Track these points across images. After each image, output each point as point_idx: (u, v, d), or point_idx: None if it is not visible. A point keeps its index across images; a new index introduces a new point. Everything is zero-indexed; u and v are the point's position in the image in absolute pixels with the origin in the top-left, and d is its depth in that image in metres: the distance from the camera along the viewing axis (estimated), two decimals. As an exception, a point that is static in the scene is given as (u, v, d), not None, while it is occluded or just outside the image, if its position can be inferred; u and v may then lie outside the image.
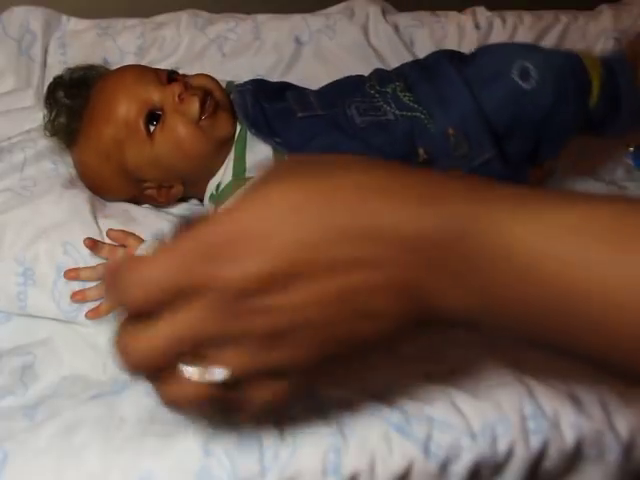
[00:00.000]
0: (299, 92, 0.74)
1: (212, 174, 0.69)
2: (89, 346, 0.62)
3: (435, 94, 0.67)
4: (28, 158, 0.72)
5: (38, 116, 0.75)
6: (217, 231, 0.33)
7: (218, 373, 0.34)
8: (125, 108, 0.66)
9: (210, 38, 0.85)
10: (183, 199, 0.74)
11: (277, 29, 0.86)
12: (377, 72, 0.75)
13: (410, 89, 0.69)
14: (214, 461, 0.47)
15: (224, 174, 0.68)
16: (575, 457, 0.51)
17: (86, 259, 0.63)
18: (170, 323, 0.33)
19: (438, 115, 0.66)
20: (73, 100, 0.70)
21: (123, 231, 0.64)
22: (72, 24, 0.84)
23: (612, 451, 0.51)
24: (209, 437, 0.48)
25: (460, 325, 0.36)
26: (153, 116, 0.66)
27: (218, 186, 0.69)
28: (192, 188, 0.72)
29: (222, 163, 0.69)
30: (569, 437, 0.51)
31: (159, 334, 0.33)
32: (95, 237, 0.64)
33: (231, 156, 0.69)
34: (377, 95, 0.70)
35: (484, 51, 0.73)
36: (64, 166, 0.73)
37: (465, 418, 0.50)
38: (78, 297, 0.62)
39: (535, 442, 0.50)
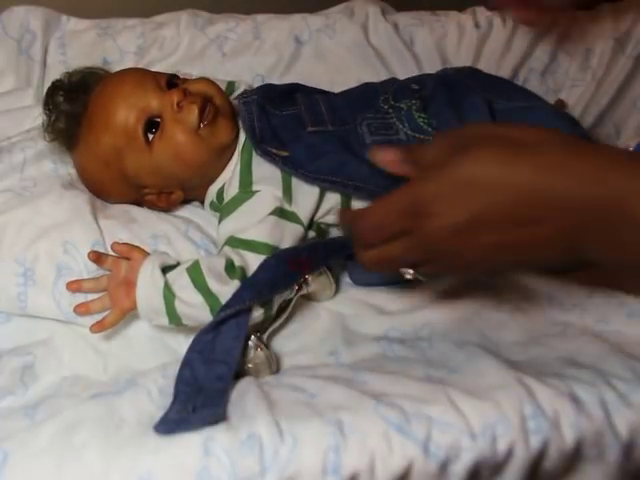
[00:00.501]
0: (310, 97, 0.72)
1: (212, 180, 0.69)
2: (89, 346, 0.62)
3: (459, 124, 0.65)
4: (28, 158, 0.72)
5: (38, 117, 0.75)
6: (428, 188, 0.47)
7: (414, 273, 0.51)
8: (124, 116, 0.65)
9: (210, 38, 0.85)
10: (185, 201, 0.73)
11: (277, 29, 0.85)
12: (394, 83, 0.73)
13: (426, 109, 0.68)
14: (214, 461, 0.47)
15: (229, 184, 0.67)
16: (575, 457, 0.52)
17: (86, 258, 0.63)
18: (388, 249, 0.50)
19: None
20: (72, 105, 0.69)
21: (127, 244, 0.63)
22: (72, 24, 0.84)
23: (612, 451, 0.51)
24: (209, 437, 0.48)
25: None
26: (152, 124, 0.66)
27: (220, 192, 0.68)
28: (192, 193, 0.71)
29: (223, 169, 0.68)
30: (569, 437, 0.51)
31: (382, 253, 0.51)
32: (95, 237, 0.64)
33: (234, 161, 0.68)
34: (390, 111, 0.68)
35: (525, 97, 0.71)
36: (64, 166, 0.73)
37: (465, 418, 0.50)
38: (82, 309, 0.61)
39: (535, 442, 0.50)
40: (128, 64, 0.82)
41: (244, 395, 0.53)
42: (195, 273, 0.60)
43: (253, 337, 0.60)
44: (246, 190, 0.66)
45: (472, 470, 0.50)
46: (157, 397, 0.54)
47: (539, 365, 0.56)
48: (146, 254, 0.63)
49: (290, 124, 0.68)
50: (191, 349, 0.56)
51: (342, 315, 0.66)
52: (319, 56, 0.86)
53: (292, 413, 0.50)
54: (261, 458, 0.47)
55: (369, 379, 0.55)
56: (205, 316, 0.59)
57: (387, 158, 0.53)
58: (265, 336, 0.62)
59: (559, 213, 0.44)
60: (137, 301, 0.59)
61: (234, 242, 0.63)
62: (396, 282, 0.68)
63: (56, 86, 0.72)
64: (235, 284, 0.59)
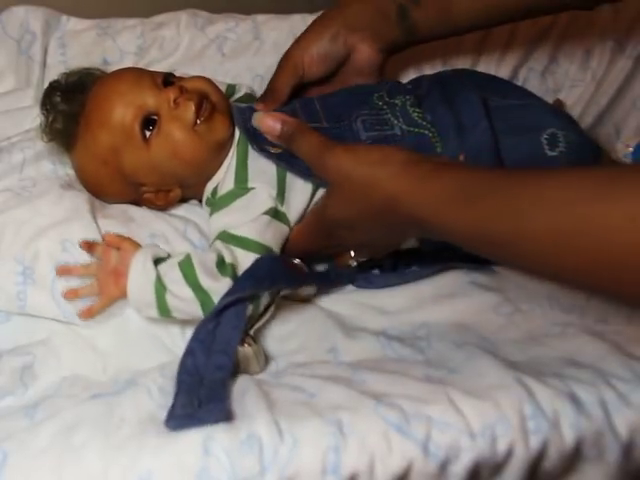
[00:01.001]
0: (304, 95, 0.73)
1: (210, 177, 0.69)
2: (89, 346, 0.62)
3: (453, 118, 0.66)
4: (27, 159, 0.72)
5: (38, 117, 0.75)
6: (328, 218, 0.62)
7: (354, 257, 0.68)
8: (120, 113, 0.66)
9: (210, 38, 0.85)
10: (183, 199, 0.73)
11: (277, 29, 0.85)
12: (388, 83, 0.73)
13: (420, 105, 0.68)
14: (214, 461, 0.47)
15: (224, 179, 0.67)
16: (575, 457, 0.52)
17: (85, 257, 0.63)
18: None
19: (452, 139, 0.65)
20: (69, 105, 0.69)
21: (119, 235, 0.64)
22: (72, 24, 0.84)
23: (612, 451, 0.51)
24: (209, 436, 0.48)
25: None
26: (149, 121, 0.66)
27: (215, 190, 0.68)
28: (190, 190, 0.71)
29: (220, 165, 0.69)
30: (569, 437, 0.51)
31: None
32: (94, 236, 0.64)
33: (231, 157, 0.68)
34: (385, 107, 0.68)
35: (521, 96, 0.72)
36: (63, 167, 0.73)
37: (465, 418, 0.50)
38: (70, 295, 0.62)
39: (535, 442, 0.50)
40: (128, 64, 0.82)
41: (244, 395, 0.53)
42: (187, 268, 0.60)
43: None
44: (241, 186, 0.66)
45: (472, 470, 0.50)
46: (157, 397, 0.54)
47: (539, 365, 0.56)
48: (137, 245, 0.63)
49: None
50: (194, 338, 0.57)
51: (340, 315, 0.66)
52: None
53: (292, 413, 0.50)
54: (261, 458, 0.47)
55: (368, 378, 0.55)
56: (195, 310, 0.59)
57: (267, 123, 0.63)
58: (252, 332, 0.62)
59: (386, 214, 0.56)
60: (128, 293, 0.60)
61: (226, 237, 0.63)
62: (396, 283, 0.69)
63: (53, 87, 0.72)
64: (226, 282, 0.60)
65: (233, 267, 0.61)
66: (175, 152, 0.66)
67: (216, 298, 0.59)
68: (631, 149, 0.85)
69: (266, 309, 0.64)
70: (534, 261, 0.46)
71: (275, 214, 0.65)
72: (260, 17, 0.87)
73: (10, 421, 0.52)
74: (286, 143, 0.64)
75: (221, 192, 0.67)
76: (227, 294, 0.58)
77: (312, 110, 0.69)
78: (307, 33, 0.73)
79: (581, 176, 0.45)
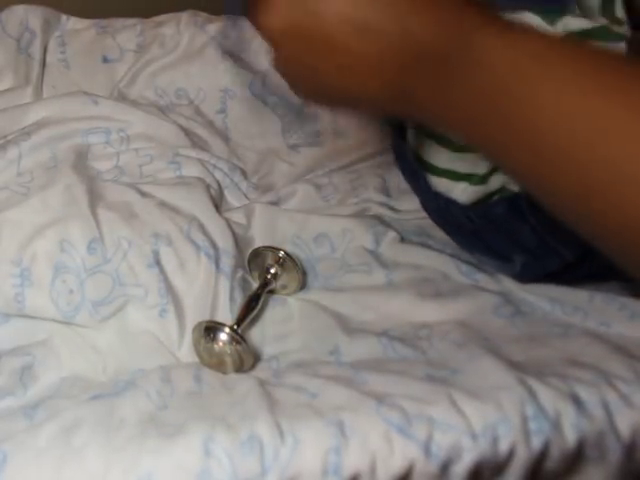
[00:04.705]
0: None
1: None
2: (89, 346, 0.62)
3: None
4: (23, 152, 0.72)
5: (36, 114, 0.75)
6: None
7: None
8: None
9: (210, 35, 0.85)
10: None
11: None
12: None
13: None
14: (214, 462, 0.47)
15: None
16: (576, 458, 0.51)
17: (83, 256, 0.63)
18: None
19: None
20: None
21: None
22: (71, 23, 0.84)
23: (613, 452, 0.51)
24: (209, 437, 0.47)
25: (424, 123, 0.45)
26: None
27: None
28: None
29: None
30: (570, 438, 0.50)
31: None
32: (93, 235, 0.64)
33: None
34: None
35: None
36: (63, 153, 0.72)
37: (466, 419, 0.50)
38: None
39: (536, 443, 0.50)
40: (128, 62, 0.82)
41: (245, 395, 0.53)
42: None
43: (229, 330, 0.59)
44: None
45: (473, 471, 0.49)
46: (156, 398, 0.54)
47: (540, 365, 0.56)
48: None
49: None
50: None
51: (342, 315, 0.66)
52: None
53: (293, 414, 0.50)
54: (262, 459, 0.47)
55: (370, 379, 0.55)
56: None
57: None
58: (240, 330, 0.61)
59: (387, 42, 0.40)
60: None
61: None
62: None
63: None
64: None
65: None
66: None
67: None
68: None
69: (254, 307, 0.64)
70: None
71: None
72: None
73: (10, 422, 0.52)
74: None
75: None
76: None
77: None
78: None
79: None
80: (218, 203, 0.77)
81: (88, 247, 0.63)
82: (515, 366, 0.55)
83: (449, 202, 0.67)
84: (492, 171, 0.65)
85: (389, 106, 0.44)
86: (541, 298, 0.66)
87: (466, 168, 0.66)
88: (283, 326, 0.65)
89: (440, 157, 0.67)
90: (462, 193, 0.66)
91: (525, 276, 0.67)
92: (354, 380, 0.54)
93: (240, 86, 0.87)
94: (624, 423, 0.51)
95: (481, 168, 0.65)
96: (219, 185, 0.80)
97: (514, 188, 0.64)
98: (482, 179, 0.66)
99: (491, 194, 0.66)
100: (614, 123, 0.34)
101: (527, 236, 0.64)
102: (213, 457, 0.47)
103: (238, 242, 0.71)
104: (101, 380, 0.59)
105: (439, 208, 0.70)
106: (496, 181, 0.65)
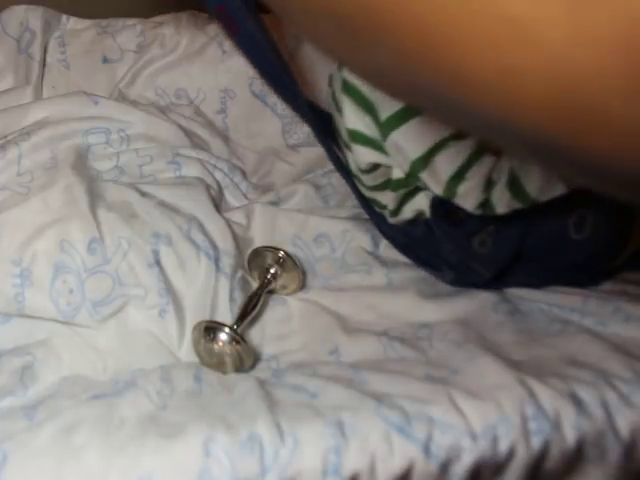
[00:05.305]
0: None
1: None
2: (89, 346, 0.62)
3: None
4: (23, 152, 0.72)
5: (36, 114, 0.75)
6: None
7: None
8: None
9: (210, 36, 0.85)
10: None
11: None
12: None
13: None
14: (214, 462, 0.46)
15: None
16: (576, 458, 0.51)
17: (83, 256, 0.63)
18: None
19: None
20: None
21: None
22: (72, 23, 0.84)
23: (613, 452, 0.51)
24: (209, 437, 0.47)
25: None
26: None
27: None
28: None
29: None
30: (570, 438, 0.50)
31: None
32: (93, 235, 0.64)
33: None
34: None
35: None
36: (63, 153, 0.72)
37: (466, 419, 0.50)
38: None
39: (536, 443, 0.50)
40: (128, 62, 0.82)
41: (245, 395, 0.53)
42: None
43: (229, 330, 0.59)
44: None
45: (473, 471, 0.49)
46: (156, 398, 0.54)
47: (540, 365, 0.56)
48: None
49: None
50: None
51: (342, 315, 0.66)
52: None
53: (293, 414, 0.50)
54: (261, 459, 0.47)
55: (370, 379, 0.55)
56: None
57: None
58: (240, 330, 0.62)
59: None
60: None
61: None
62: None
63: None
64: None
65: None
66: None
67: None
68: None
69: (254, 307, 0.64)
70: None
71: None
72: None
73: (10, 421, 0.52)
74: None
75: None
76: None
77: None
78: None
79: None
80: (218, 203, 0.77)
81: (88, 247, 0.63)
82: (515, 366, 0.55)
83: (380, 218, 0.71)
84: (400, 205, 0.68)
85: None
86: (538, 298, 0.66)
87: (383, 200, 0.70)
88: (283, 326, 0.65)
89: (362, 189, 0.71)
90: (387, 216, 0.71)
91: (458, 286, 0.69)
92: (354, 380, 0.54)
93: (240, 86, 0.87)
94: (624, 423, 0.51)
95: (391, 204, 0.69)
96: (219, 185, 0.80)
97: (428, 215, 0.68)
98: (394, 212, 0.69)
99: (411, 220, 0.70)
100: None
101: (447, 254, 0.67)
102: (213, 457, 0.47)
103: (238, 242, 0.71)
104: (101, 380, 0.59)
105: (376, 221, 0.73)
106: (409, 211, 0.69)
